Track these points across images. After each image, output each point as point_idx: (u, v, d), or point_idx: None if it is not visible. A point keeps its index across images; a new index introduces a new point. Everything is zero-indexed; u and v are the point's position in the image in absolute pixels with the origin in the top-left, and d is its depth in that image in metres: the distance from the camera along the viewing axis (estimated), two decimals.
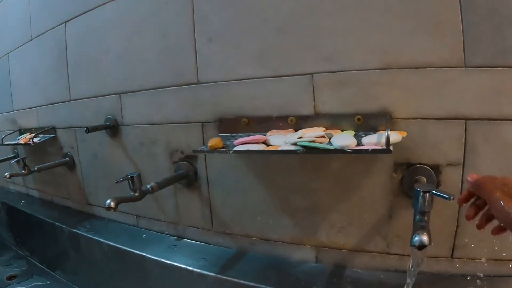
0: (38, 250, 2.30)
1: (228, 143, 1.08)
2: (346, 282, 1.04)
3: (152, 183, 1.18)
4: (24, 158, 1.88)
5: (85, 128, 1.48)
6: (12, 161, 2.00)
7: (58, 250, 2.01)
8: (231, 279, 1.14)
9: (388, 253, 1.04)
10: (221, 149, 1.03)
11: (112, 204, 1.06)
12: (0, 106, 2.70)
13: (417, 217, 0.83)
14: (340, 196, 1.07)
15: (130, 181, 1.15)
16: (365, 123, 0.99)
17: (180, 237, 1.47)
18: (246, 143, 1.00)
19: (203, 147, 1.11)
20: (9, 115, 2.56)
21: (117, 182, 1.14)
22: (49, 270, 2.16)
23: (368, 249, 1.07)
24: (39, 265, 2.27)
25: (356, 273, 1.08)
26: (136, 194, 1.15)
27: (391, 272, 1.04)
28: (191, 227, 1.42)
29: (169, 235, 1.51)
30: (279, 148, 0.93)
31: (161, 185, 1.21)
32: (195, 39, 1.24)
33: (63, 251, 1.96)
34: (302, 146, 0.89)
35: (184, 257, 1.31)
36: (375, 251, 1.06)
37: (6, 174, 1.84)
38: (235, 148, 0.99)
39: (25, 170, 1.86)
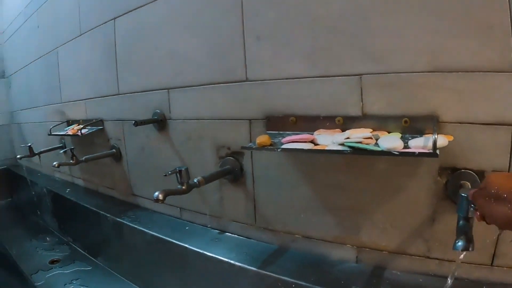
0: (81, 237, 2.41)
1: (276, 140, 1.12)
2: (385, 283, 1.06)
3: (199, 177, 1.25)
4: (73, 148, 1.98)
5: (133, 122, 1.56)
6: (61, 151, 2.09)
7: (101, 238, 2.11)
8: (272, 274, 1.18)
9: (428, 257, 1.05)
10: (269, 147, 1.07)
11: (160, 196, 1.12)
12: (49, 98, 2.84)
13: (461, 222, 0.83)
14: (384, 197, 1.09)
15: (178, 175, 1.21)
16: (411, 125, 1.01)
17: (223, 231, 1.53)
18: (294, 141, 1.04)
19: (250, 144, 1.16)
20: (57, 107, 2.69)
21: (165, 175, 1.20)
22: (90, 257, 2.27)
23: (408, 252, 1.08)
24: (81, 251, 2.38)
25: (395, 275, 1.09)
26: (183, 187, 1.21)
27: (430, 277, 1.05)
28: (234, 221, 1.47)
29: (212, 228, 1.57)
30: (326, 148, 0.97)
31: (208, 180, 1.27)
32: (244, 37, 1.29)
33: (106, 239, 2.06)
34: (349, 146, 0.92)
35: (226, 251, 1.36)
36: (415, 254, 1.07)
37: (55, 163, 1.93)
38: (283, 146, 1.04)
39: (73, 160, 1.96)
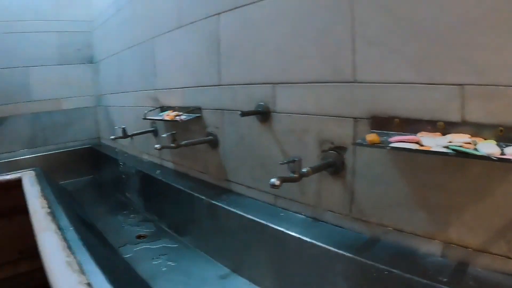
0: (167, 216, 2.67)
1: (382, 139, 1.28)
2: (468, 278, 1.17)
3: (308, 168, 1.44)
4: (174, 133, 2.22)
5: (240, 112, 1.78)
6: (163, 135, 2.31)
7: (189, 218, 2.36)
8: (366, 261, 1.33)
9: (508, 257, 1.14)
10: (379, 145, 1.24)
11: (277, 182, 1.33)
12: (142, 84, 3.16)
13: None
14: (474, 198, 1.20)
15: (291, 164, 1.40)
16: (506, 134, 1.12)
17: (317, 219, 1.70)
18: (402, 141, 1.20)
19: (359, 140, 1.33)
20: (151, 93, 2.98)
21: (281, 163, 1.40)
22: (176, 235, 2.51)
23: (491, 251, 1.17)
24: (166, 229, 2.63)
25: (477, 271, 1.19)
26: (296, 175, 1.40)
27: (509, 276, 1.13)
28: (329, 211, 1.64)
29: (306, 216, 1.75)
30: (431, 149, 1.12)
31: (314, 170, 1.45)
32: (354, 42, 1.45)
33: (194, 219, 2.31)
34: (453, 149, 1.07)
35: (321, 237, 1.53)
36: (497, 254, 1.16)
37: (157, 145, 2.18)
38: (393, 145, 1.20)
39: (174, 143, 2.19)
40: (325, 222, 1.66)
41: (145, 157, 3.35)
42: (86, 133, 4.65)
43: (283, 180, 1.34)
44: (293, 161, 1.39)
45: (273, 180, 1.33)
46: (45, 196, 2.47)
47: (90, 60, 4.61)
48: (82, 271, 1.35)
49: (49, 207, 2.17)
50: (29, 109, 4.35)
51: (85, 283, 1.26)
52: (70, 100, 4.55)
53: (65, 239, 1.68)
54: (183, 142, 2.18)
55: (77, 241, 1.69)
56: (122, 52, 3.59)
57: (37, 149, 4.37)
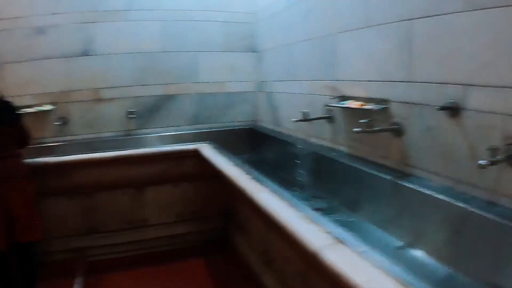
0: (340, 194, 3.21)
1: None
2: None
3: (502, 156, 1.96)
4: (372, 120, 2.77)
5: (437, 107, 2.31)
6: (363, 120, 2.78)
7: (365, 196, 2.89)
8: None
9: None
10: None
11: (485, 163, 1.91)
12: (320, 74, 3.79)
13: None
14: None
15: (492, 151, 1.96)
16: None
17: (493, 203, 2.10)
18: None
19: None
20: (329, 83, 3.59)
21: (487, 149, 1.96)
22: (349, 211, 3.03)
23: None
24: (339, 206, 3.16)
25: None
26: (495, 160, 1.94)
27: None
28: (505, 196, 2.04)
29: (484, 199, 2.15)
30: None
31: (505, 159, 1.97)
32: None
33: (371, 197, 2.83)
34: None
35: (499, 215, 1.95)
36: None
37: (356, 129, 2.76)
38: None
39: (370, 128, 2.77)
40: (501, 206, 2.03)
41: (313, 140, 3.96)
42: (245, 115, 5.56)
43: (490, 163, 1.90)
44: (496, 148, 1.94)
45: (483, 161, 1.90)
46: (237, 164, 3.10)
47: (253, 49, 5.51)
48: (316, 223, 1.76)
49: (247, 174, 2.78)
50: (196, 89, 5.34)
51: (325, 232, 1.66)
52: (232, 84, 5.48)
53: (284, 198, 2.19)
54: (377, 128, 2.76)
55: (295, 200, 2.18)
56: (295, 43, 4.29)
57: (199, 126, 5.34)
